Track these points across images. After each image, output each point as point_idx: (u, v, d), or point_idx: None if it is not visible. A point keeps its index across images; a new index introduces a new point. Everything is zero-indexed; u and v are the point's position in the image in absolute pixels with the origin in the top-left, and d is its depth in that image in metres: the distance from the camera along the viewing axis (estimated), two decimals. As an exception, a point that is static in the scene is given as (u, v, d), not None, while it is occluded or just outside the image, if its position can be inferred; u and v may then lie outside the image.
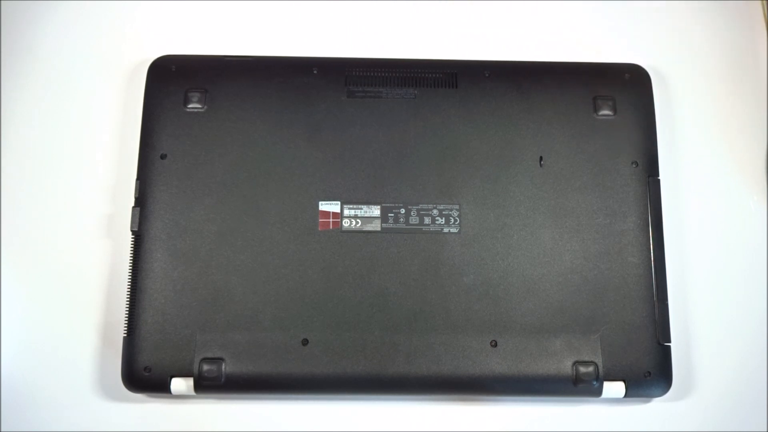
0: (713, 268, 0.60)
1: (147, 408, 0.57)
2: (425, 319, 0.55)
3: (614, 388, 0.55)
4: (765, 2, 0.65)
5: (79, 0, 0.65)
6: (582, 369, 0.55)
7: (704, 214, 0.61)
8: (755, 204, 0.61)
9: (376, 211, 0.57)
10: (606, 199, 0.58)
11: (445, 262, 0.56)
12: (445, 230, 0.57)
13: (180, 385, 0.54)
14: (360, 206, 0.57)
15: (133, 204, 0.57)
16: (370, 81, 0.60)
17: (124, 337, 0.55)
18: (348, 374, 0.54)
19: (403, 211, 0.57)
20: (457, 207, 0.57)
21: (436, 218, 0.57)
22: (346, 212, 0.57)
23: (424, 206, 0.57)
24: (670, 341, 0.56)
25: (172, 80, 0.60)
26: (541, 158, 0.59)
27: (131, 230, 0.57)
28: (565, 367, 0.55)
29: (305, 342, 0.55)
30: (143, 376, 0.54)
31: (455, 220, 0.57)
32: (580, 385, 0.55)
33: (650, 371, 0.55)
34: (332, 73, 0.60)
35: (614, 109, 0.59)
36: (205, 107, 0.59)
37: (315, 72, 0.60)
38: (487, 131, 0.59)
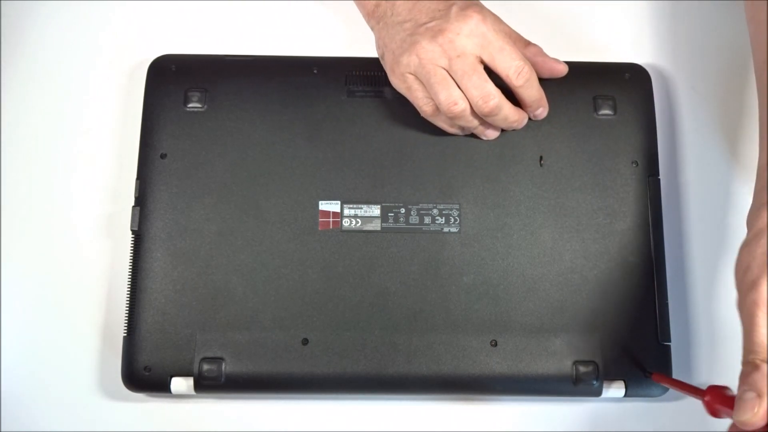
0: (713, 268, 0.60)
1: (147, 408, 0.57)
2: (425, 319, 0.55)
3: (614, 388, 0.55)
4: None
5: (79, 0, 0.65)
6: (582, 369, 0.55)
7: (704, 214, 0.61)
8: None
9: (376, 210, 0.57)
10: (606, 198, 0.58)
11: (445, 261, 0.56)
12: (445, 230, 0.57)
13: (180, 384, 0.54)
14: (360, 206, 0.57)
15: (133, 204, 0.57)
16: (370, 81, 0.60)
17: (124, 337, 0.55)
18: (348, 374, 0.54)
19: (403, 210, 0.57)
20: (457, 207, 0.57)
21: (436, 218, 0.57)
22: (346, 212, 0.57)
23: (424, 206, 0.57)
24: (670, 341, 0.56)
25: (172, 80, 0.60)
26: (541, 158, 0.59)
27: (131, 230, 0.57)
28: (565, 366, 0.55)
29: (305, 342, 0.55)
30: (143, 375, 0.54)
31: (455, 220, 0.57)
32: (580, 384, 0.55)
33: (650, 371, 0.55)
34: (332, 73, 0.60)
35: (614, 109, 0.59)
36: (205, 107, 0.59)
37: (315, 72, 0.60)
38: (487, 131, 0.59)
